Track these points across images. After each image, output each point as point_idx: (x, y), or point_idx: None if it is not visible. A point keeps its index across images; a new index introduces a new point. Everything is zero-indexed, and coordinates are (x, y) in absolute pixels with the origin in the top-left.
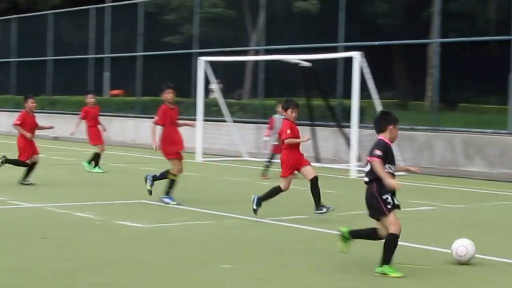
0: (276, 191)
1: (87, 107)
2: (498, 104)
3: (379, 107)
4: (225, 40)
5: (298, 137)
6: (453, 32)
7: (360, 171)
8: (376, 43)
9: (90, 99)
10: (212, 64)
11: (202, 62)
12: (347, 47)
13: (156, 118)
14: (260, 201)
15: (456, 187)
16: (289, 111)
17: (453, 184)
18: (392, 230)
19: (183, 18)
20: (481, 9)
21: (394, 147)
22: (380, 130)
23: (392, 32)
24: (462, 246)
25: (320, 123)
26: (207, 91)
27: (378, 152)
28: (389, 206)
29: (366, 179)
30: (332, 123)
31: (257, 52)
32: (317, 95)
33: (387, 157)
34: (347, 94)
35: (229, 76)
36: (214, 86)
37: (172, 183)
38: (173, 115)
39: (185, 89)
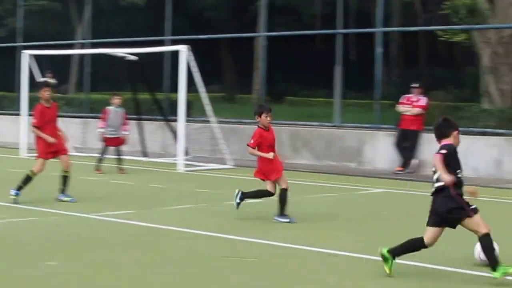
0: (262, 194)
1: None
2: (324, 97)
3: (206, 101)
4: (50, 33)
5: (269, 147)
6: (280, 26)
7: (187, 165)
8: (203, 36)
9: None
10: (38, 58)
11: (26, 56)
12: (174, 41)
13: (33, 120)
14: (243, 196)
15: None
16: (263, 116)
17: None
18: (483, 230)
19: (7, 11)
20: (307, 3)
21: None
22: (444, 135)
23: (220, 25)
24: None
25: (147, 117)
26: (32, 85)
27: (443, 151)
28: (472, 207)
29: (438, 184)
30: (159, 117)
31: (82, 46)
32: (144, 89)
33: (453, 160)
34: (174, 88)
35: (55, 70)
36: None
37: (28, 180)
38: (51, 114)
39: (9, 83)
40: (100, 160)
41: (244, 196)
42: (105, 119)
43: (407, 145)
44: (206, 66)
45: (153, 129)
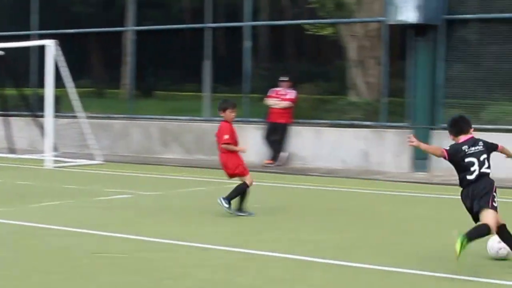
0: (242, 189)
1: None
2: (194, 91)
3: (74, 96)
4: None
5: (237, 142)
6: (149, 20)
7: (56, 161)
8: (71, 31)
9: None
10: None
11: None
12: (41, 35)
13: None
14: (228, 200)
15: (153, 174)
16: (228, 111)
17: (150, 172)
18: (489, 222)
19: None
20: None
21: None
22: (462, 132)
23: (87, 20)
24: (503, 249)
25: (14, 113)
26: None
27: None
28: (495, 204)
29: (488, 171)
30: (26, 113)
31: None
32: (10, 84)
33: None
34: (42, 83)
35: None
36: None
37: None
38: None
39: None
40: None
41: (229, 199)
42: None
43: (276, 138)
44: (74, 61)
45: (21, 125)
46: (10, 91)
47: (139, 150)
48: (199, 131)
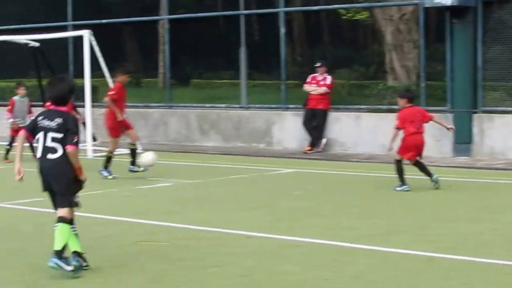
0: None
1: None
2: (230, 79)
3: (111, 85)
4: None
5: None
6: (182, 8)
7: (95, 150)
8: (105, 21)
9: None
10: None
11: None
12: (76, 26)
13: None
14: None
15: (192, 162)
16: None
17: (189, 160)
18: None
19: None
20: None
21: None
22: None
23: (121, 9)
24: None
25: None
26: None
27: None
28: None
29: None
30: None
31: None
32: (48, 76)
33: None
34: (79, 73)
35: None
36: None
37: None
38: None
39: None
40: (8, 149)
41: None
42: (11, 110)
43: (315, 125)
44: (110, 51)
45: None
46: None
47: (177, 139)
48: (237, 119)
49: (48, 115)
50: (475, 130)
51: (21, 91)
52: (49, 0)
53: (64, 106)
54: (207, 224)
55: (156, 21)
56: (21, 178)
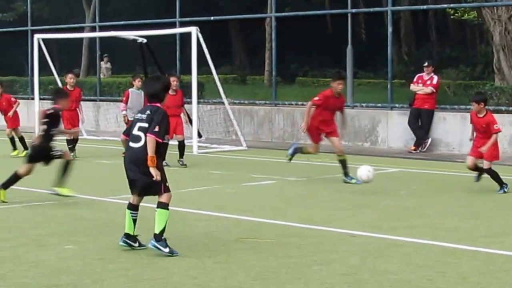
0: None
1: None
2: None
3: (218, 82)
4: (59, 17)
5: None
6: (289, 6)
7: (200, 147)
8: (212, 18)
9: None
10: (46, 42)
11: (36, 40)
12: (183, 23)
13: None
14: None
15: (297, 160)
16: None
17: (294, 158)
18: None
19: None
20: None
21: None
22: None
23: (228, 6)
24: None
25: None
26: (42, 68)
27: None
28: None
29: None
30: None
31: (93, 29)
32: (155, 71)
33: None
34: (185, 70)
35: (65, 54)
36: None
37: None
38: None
39: (20, 68)
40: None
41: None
42: (126, 101)
43: (420, 124)
44: (216, 48)
45: None
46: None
47: (282, 136)
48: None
49: (142, 111)
50: None
51: (137, 83)
52: None
53: (158, 103)
54: (311, 222)
55: (263, 19)
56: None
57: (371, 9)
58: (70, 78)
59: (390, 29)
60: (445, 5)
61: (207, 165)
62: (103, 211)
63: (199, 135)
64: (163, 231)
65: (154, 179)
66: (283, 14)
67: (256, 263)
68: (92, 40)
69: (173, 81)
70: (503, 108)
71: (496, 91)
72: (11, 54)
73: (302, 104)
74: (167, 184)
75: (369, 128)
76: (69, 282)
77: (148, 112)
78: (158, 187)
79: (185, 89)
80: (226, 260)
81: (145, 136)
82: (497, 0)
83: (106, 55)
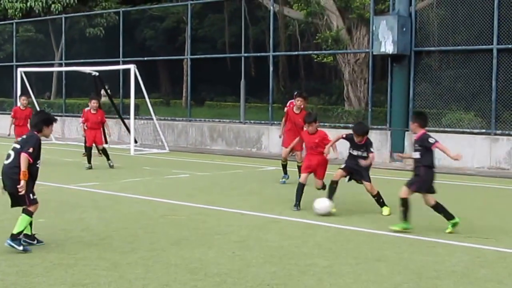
0: None
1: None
2: (233, 102)
3: (149, 104)
4: (36, 56)
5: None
6: (201, 50)
7: (136, 150)
8: (145, 58)
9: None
10: (27, 74)
11: (19, 72)
12: (125, 61)
13: None
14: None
15: (204, 160)
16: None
17: (203, 159)
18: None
19: (5, 39)
20: (220, 34)
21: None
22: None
23: (158, 50)
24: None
25: (109, 116)
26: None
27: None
28: None
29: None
30: (116, 116)
31: (60, 65)
32: (105, 96)
33: None
34: (126, 95)
35: (40, 83)
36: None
37: None
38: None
39: (8, 92)
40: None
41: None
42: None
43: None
44: (148, 79)
45: (112, 124)
46: (105, 101)
47: (194, 143)
48: (237, 130)
49: (22, 137)
50: (406, 143)
51: (92, 103)
52: (106, 42)
53: (37, 132)
54: (213, 204)
55: (182, 59)
56: None
57: (258, 54)
58: (23, 100)
59: (271, 68)
60: (310, 52)
61: (141, 163)
62: (67, 195)
63: (135, 141)
64: (20, 232)
65: (19, 192)
66: (196, 56)
67: (174, 232)
68: (59, 72)
69: (94, 103)
70: (350, 125)
71: (345, 113)
72: (1, 82)
73: (210, 121)
74: (34, 197)
75: (256, 138)
76: (40, 246)
77: (24, 137)
78: (23, 200)
79: (126, 109)
80: (153, 230)
81: (18, 155)
82: (347, 49)
83: (107, 85)
